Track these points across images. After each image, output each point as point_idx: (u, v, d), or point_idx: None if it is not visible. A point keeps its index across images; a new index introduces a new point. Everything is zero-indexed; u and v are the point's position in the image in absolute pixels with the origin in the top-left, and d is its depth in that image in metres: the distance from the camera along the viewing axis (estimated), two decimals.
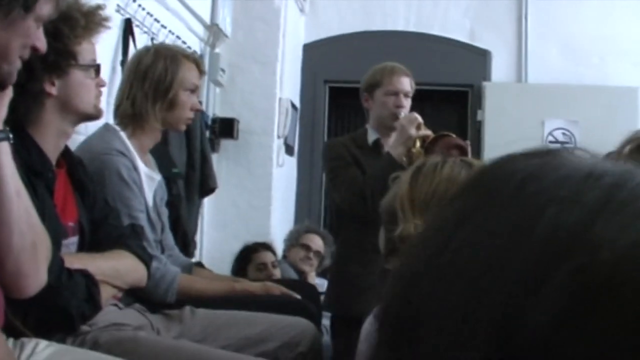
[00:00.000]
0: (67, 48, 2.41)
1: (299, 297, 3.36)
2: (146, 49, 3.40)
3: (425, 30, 7.83)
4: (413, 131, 3.95)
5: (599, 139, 7.14)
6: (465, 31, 7.84)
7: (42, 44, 1.94)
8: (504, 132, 7.43)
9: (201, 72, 3.41)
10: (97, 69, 2.62)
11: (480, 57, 7.80)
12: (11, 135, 1.94)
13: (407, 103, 4.24)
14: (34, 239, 1.91)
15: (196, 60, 3.38)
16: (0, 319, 1.88)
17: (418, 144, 3.97)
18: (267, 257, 5.25)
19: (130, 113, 3.19)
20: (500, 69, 7.84)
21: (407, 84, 4.26)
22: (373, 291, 2.57)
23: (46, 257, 2.01)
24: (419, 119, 4.01)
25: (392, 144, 4.05)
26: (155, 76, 3.21)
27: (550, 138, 7.54)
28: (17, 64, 1.89)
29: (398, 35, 7.78)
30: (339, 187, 4.05)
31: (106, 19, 2.55)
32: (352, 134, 4.46)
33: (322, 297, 4.11)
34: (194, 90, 3.34)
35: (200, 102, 5.41)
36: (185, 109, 3.29)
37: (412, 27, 7.83)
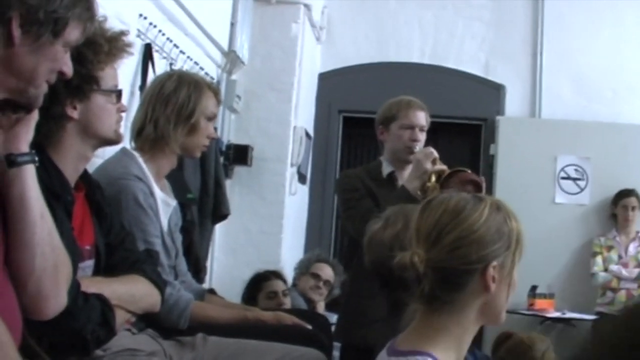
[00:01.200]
0: (90, 73, 2.42)
1: (310, 327, 3.36)
2: (168, 75, 3.42)
3: (440, 62, 7.87)
4: (429, 165, 3.96)
5: (610, 176, 7.18)
6: (480, 65, 7.87)
7: (69, 69, 1.96)
8: (517, 167, 7.45)
9: (219, 101, 3.44)
10: (118, 94, 2.63)
11: (494, 91, 7.83)
12: (37, 158, 1.95)
13: (422, 137, 4.26)
14: (55, 261, 1.92)
15: (215, 90, 3.41)
16: (17, 339, 1.89)
17: (433, 178, 3.98)
18: (278, 285, 5.24)
19: (152, 136, 3.21)
20: (514, 104, 7.87)
21: (422, 118, 4.27)
22: (383, 322, 2.56)
23: (67, 280, 2.01)
24: (435, 153, 4.02)
25: (407, 178, 4.07)
26: (178, 101, 3.23)
27: (563, 174, 7.55)
28: (44, 88, 1.91)
29: (413, 67, 7.82)
30: (353, 218, 4.05)
31: (129, 44, 2.57)
32: (366, 166, 4.47)
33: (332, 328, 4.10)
34: (212, 118, 3.37)
35: (215, 129, 5.43)
36: (203, 136, 3.31)
37: (427, 60, 7.87)
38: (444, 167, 4.02)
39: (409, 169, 4.22)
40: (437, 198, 2.09)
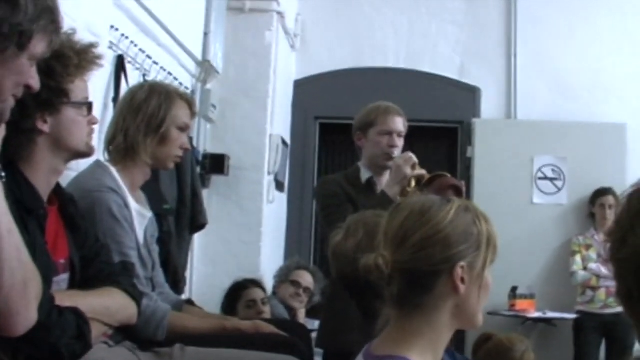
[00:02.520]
0: (59, 86, 2.41)
1: (288, 335, 3.35)
2: (141, 85, 3.42)
3: (415, 66, 7.89)
4: (408, 170, 3.99)
5: (587, 175, 7.22)
6: (455, 67, 7.90)
7: (35, 82, 1.95)
8: (494, 169, 7.48)
9: (193, 113, 3.43)
10: (89, 106, 2.62)
11: (469, 94, 7.86)
12: (3, 174, 1.94)
13: (400, 143, 4.28)
14: (24, 276, 1.90)
15: (189, 101, 3.40)
16: None
17: (413, 183, 4.00)
18: (257, 294, 5.23)
19: (122, 146, 3.20)
20: (489, 106, 7.90)
21: (400, 124, 4.29)
22: (363, 328, 2.57)
23: (37, 295, 1.99)
24: (414, 158, 4.04)
25: (387, 183, 4.08)
26: (148, 111, 3.22)
27: (540, 175, 7.58)
28: (10, 103, 1.89)
29: (388, 72, 7.84)
30: (334, 224, 4.05)
31: (99, 57, 2.56)
32: (345, 172, 4.47)
33: (312, 336, 4.09)
34: (185, 129, 3.35)
35: (191, 138, 5.43)
36: (174, 147, 3.30)
37: (402, 64, 7.90)
38: (423, 172, 4.04)
39: (387, 175, 4.24)
40: (405, 201, 2.10)
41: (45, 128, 2.45)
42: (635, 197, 1.43)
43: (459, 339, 6.80)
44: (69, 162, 2.65)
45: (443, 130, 8.07)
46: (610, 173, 7.39)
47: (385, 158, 4.24)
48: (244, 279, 5.40)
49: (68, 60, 2.41)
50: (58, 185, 2.64)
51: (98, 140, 3.41)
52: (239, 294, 5.24)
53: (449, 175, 4.08)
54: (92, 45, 2.53)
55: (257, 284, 5.37)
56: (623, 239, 1.41)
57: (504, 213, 6.95)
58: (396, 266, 1.94)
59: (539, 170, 7.62)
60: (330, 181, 4.37)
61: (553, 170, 7.61)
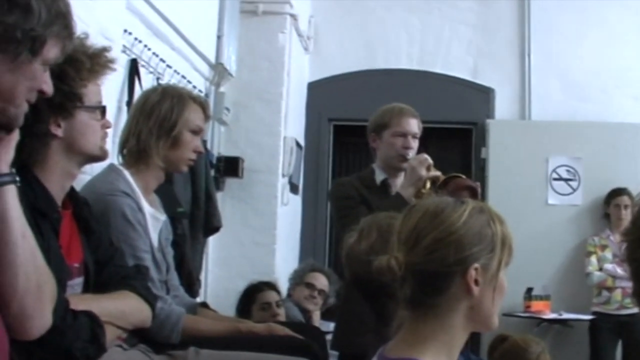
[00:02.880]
0: (72, 90, 2.42)
1: (302, 338, 3.35)
2: (154, 89, 3.44)
3: (428, 68, 7.88)
4: (423, 172, 3.98)
5: (602, 175, 7.19)
6: (468, 68, 7.88)
7: (48, 87, 1.95)
8: (508, 170, 7.46)
9: (207, 116, 3.43)
10: (102, 110, 2.63)
11: (483, 95, 7.84)
12: (18, 178, 1.95)
13: (414, 144, 4.28)
14: (38, 280, 1.91)
15: (202, 104, 3.40)
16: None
17: (428, 184, 4.00)
18: (272, 296, 5.23)
19: (135, 150, 3.21)
20: (503, 107, 7.88)
21: (414, 125, 4.29)
22: (377, 330, 2.57)
23: (51, 299, 2.00)
24: (429, 160, 4.04)
25: (402, 185, 4.08)
26: (161, 113, 3.23)
27: (555, 175, 7.55)
28: (24, 108, 1.90)
29: (401, 73, 7.83)
30: (348, 226, 4.04)
31: (112, 60, 2.56)
32: (359, 174, 4.47)
33: (327, 338, 4.08)
34: (198, 132, 3.35)
35: (205, 141, 5.44)
36: (187, 150, 3.30)
37: (415, 65, 7.89)
38: (438, 173, 4.04)
39: (401, 177, 4.24)
40: (419, 203, 2.09)
41: (59, 132, 2.46)
42: None
43: (474, 340, 6.79)
44: (82, 166, 2.66)
45: (457, 131, 8.05)
46: (625, 173, 7.36)
47: (400, 160, 4.24)
48: (259, 282, 5.40)
49: (81, 64, 2.42)
50: (72, 189, 2.65)
51: (112, 144, 3.42)
52: (253, 297, 5.24)
53: (463, 176, 4.07)
54: (104, 49, 2.53)
55: (271, 286, 5.37)
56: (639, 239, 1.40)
57: (518, 214, 6.93)
58: (409, 267, 1.93)
59: (554, 170, 7.59)
60: (344, 183, 4.37)
61: (568, 170, 7.58)
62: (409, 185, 4.01)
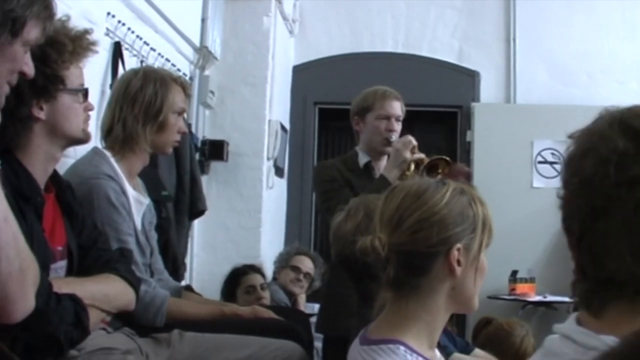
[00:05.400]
0: (55, 72, 2.41)
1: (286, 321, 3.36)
2: (134, 72, 3.40)
3: (413, 51, 7.87)
4: (408, 154, 4.00)
5: None
6: (454, 52, 7.87)
7: (29, 69, 1.94)
8: (493, 153, 7.46)
9: (187, 95, 3.42)
10: (85, 93, 2.62)
11: (468, 78, 7.84)
12: (0, 162, 1.94)
13: (398, 127, 4.28)
14: (21, 264, 1.90)
15: (183, 84, 3.39)
16: None
17: (412, 167, 4.01)
18: (256, 279, 5.23)
19: (122, 137, 3.20)
20: (488, 90, 7.87)
21: (398, 108, 4.29)
22: (360, 312, 2.57)
23: (34, 283, 1.99)
24: (414, 142, 4.04)
25: (386, 167, 4.09)
26: (145, 99, 3.21)
27: (540, 158, 7.56)
28: (5, 89, 1.89)
29: (387, 56, 7.82)
30: (333, 209, 4.05)
31: (94, 43, 2.55)
32: (342, 157, 4.47)
33: (313, 320, 4.09)
34: (181, 113, 3.36)
35: (190, 125, 5.43)
36: (173, 132, 3.30)
37: (400, 49, 7.87)
38: (422, 155, 4.05)
39: (385, 160, 4.25)
40: (401, 184, 2.10)
41: (41, 115, 2.45)
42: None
43: (459, 322, 6.81)
44: (65, 148, 2.65)
45: (442, 114, 8.05)
46: None
47: (383, 142, 4.24)
48: (243, 265, 5.40)
49: (63, 46, 2.41)
50: (55, 173, 2.65)
51: (95, 127, 3.41)
52: (238, 280, 5.24)
53: (447, 159, 4.08)
54: (86, 32, 2.52)
55: (256, 269, 5.37)
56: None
57: (503, 197, 6.95)
58: (392, 248, 1.94)
59: (539, 154, 7.60)
60: (328, 166, 4.37)
61: (553, 154, 7.59)
62: (393, 167, 4.02)
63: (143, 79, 3.26)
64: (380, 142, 4.25)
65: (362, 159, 4.30)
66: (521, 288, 7.12)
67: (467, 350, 3.73)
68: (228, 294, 5.18)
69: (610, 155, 1.34)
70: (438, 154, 4.12)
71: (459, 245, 1.96)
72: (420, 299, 1.97)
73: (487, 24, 7.94)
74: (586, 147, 1.42)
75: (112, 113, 3.24)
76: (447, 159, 4.09)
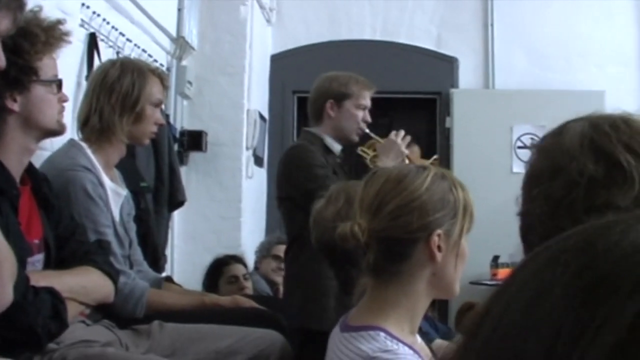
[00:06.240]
0: (27, 64, 2.39)
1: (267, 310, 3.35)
2: (112, 62, 3.39)
3: (392, 38, 7.85)
4: (404, 148, 4.03)
5: None
6: (432, 38, 7.87)
7: (1, 60, 1.93)
8: (473, 139, 7.47)
9: (165, 87, 3.41)
10: (59, 84, 2.60)
11: (447, 64, 7.83)
12: None
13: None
14: None
15: (161, 75, 3.38)
16: None
17: (407, 160, 4.06)
18: (238, 269, 5.22)
19: (98, 127, 3.18)
20: (467, 76, 7.88)
21: (369, 99, 4.30)
22: (340, 298, 2.57)
23: (11, 276, 1.98)
24: (408, 136, 4.09)
25: (381, 160, 4.10)
26: (122, 89, 3.20)
27: (519, 143, 7.58)
28: None
29: (365, 44, 7.80)
30: None
31: (67, 33, 2.53)
32: (310, 141, 4.31)
33: None
34: (159, 104, 3.35)
35: (168, 115, 5.41)
36: (150, 123, 3.29)
37: (378, 36, 7.86)
38: (407, 151, 4.12)
39: (381, 150, 4.26)
40: (381, 170, 2.10)
41: (15, 107, 2.44)
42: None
43: (441, 308, 6.83)
44: (40, 140, 2.64)
45: (421, 101, 8.04)
46: None
47: (358, 132, 4.24)
48: (225, 255, 5.38)
49: (35, 37, 2.39)
50: (30, 165, 2.63)
51: (72, 119, 3.39)
52: (220, 270, 5.23)
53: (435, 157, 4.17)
54: (59, 22, 2.50)
55: (238, 259, 5.36)
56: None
57: (483, 183, 6.96)
58: (372, 234, 1.93)
59: (518, 139, 7.61)
60: (313, 150, 4.19)
61: (532, 139, 7.58)
62: (390, 159, 4.03)
63: (121, 69, 3.24)
64: (355, 130, 4.23)
65: (335, 145, 4.26)
66: (503, 273, 7.13)
67: (449, 336, 3.74)
68: (210, 284, 5.15)
69: (579, 179, 1.33)
70: (417, 142, 4.16)
71: (439, 230, 1.95)
72: (400, 284, 1.96)
73: (465, 9, 7.94)
74: (555, 166, 1.41)
75: (89, 103, 3.22)
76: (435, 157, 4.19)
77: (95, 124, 3.19)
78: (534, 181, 1.41)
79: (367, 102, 4.26)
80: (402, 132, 4.15)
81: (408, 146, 4.21)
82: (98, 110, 3.19)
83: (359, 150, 4.45)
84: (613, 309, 0.51)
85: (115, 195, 3.19)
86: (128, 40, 4.80)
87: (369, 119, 4.25)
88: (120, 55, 4.55)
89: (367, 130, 4.23)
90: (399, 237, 1.94)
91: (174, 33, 5.86)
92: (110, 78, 3.22)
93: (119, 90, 3.20)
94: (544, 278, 0.58)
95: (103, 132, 3.19)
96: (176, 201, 5.14)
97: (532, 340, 0.54)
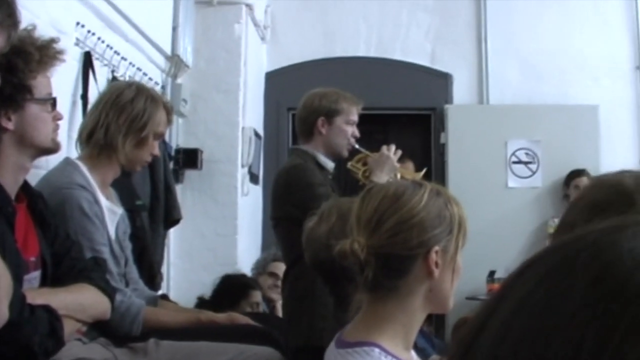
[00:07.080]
0: (22, 82, 2.40)
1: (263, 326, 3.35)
2: (127, 84, 3.44)
3: (386, 55, 7.87)
4: (396, 163, 4.07)
5: (561, 157, 7.21)
6: (426, 54, 7.89)
7: None
8: (468, 154, 7.48)
9: (170, 121, 3.46)
10: (53, 102, 2.61)
11: (441, 80, 7.85)
12: None
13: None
14: None
15: (169, 110, 3.44)
16: None
17: (399, 175, 4.09)
18: (259, 297, 5.24)
19: (101, 142, 3.20)
20: (461, 91, 7.89)
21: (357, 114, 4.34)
22: (336, 315, 2.57)
23: (7, 294, 1.98)
24: (399, 150, 4.12)
25: (375, 174, 4.12)
26: (133, 112, 3.24)
27: (514, 158, 7.59)
28: None
29: (360, 61, 7.82)
30: None
31: (61, 52, 2.54)
32: (302, 158, 4.27)
33: None
34: (160, 136, 3.41)
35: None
36: (147, 152, 3.34)
37: (373, 53, 7.87)
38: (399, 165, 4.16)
39: (373, 165, 4.27)
40: (377, 186, 2.10)
41: (10, 125, 2.44)
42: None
43: (438, 324, 6.82)
44: (35, 158, 2.64)
45: (416, 117, 8.05)
46: (584, 154, 7.41)
47: (348, 148, 4.26)
48: (252, 278, 5.41)
49: (29, 56, 2.40)
50: (26, 183, 2.63)
51: (67, 137, 3.40)
52: (247, 292, 5.20)
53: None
54: (53, 41, 2.51)
55: (258, 286, 5.39)
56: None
57: (478, 198, 6.98)
58: (371, 251, 1.93)
59: (513, 154, 7.62)
60: (311, 168, 4.19)
61: (527, 153, 7.62)
62: (383, 174, 4.06)
63: (136, 91, 3.29)
64: (345, 146, 4.25)
65: (327, 163, 4.27)
66: None
67: (445, 352, 3.72)
68: (231, 300, 5.02)
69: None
70: (412, 158, 4.18)
71: (437, 247, 1.96)
72: (398, 300, 1.97)
73: (459, 25, 7.96)
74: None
75: (97, 118, 3.24)
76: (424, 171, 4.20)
77: (100, 138, 3.21)
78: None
79: (356, 117, 4.28)
80: (394, 147, 4.17)
81: (402, 161, 4.23)
82: (105, 126, 3.22)
83: (349, 165, 4.44)
84: (633, 322, 0.52)
85: (111, 213, 3.20)
86: (123, 58, 4.82)
87: (357, 133, 4.27)
88: (116, 74, 4.58)
89: (357, 145, 4.25)
90: (398, 253, 1.94)
91: (168, 51, 5.88)
92: (124, 98, 3.26)
93: (129, 111, 3.24)
94: (559, 284, 0.58)
95: (104, 149, 3.21)
96: (172, 219, 5.14)
97: (552, 349, 0.54)
